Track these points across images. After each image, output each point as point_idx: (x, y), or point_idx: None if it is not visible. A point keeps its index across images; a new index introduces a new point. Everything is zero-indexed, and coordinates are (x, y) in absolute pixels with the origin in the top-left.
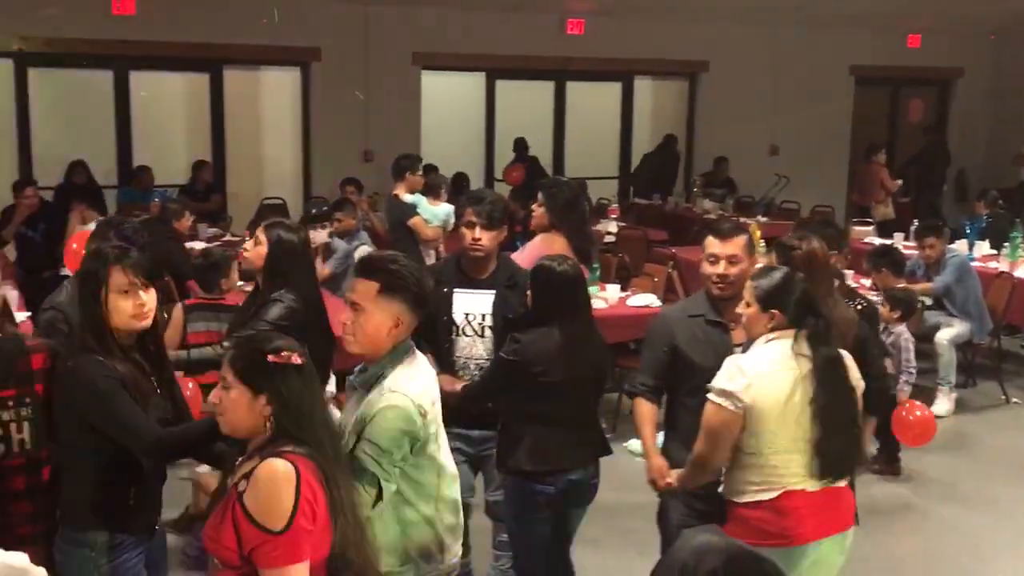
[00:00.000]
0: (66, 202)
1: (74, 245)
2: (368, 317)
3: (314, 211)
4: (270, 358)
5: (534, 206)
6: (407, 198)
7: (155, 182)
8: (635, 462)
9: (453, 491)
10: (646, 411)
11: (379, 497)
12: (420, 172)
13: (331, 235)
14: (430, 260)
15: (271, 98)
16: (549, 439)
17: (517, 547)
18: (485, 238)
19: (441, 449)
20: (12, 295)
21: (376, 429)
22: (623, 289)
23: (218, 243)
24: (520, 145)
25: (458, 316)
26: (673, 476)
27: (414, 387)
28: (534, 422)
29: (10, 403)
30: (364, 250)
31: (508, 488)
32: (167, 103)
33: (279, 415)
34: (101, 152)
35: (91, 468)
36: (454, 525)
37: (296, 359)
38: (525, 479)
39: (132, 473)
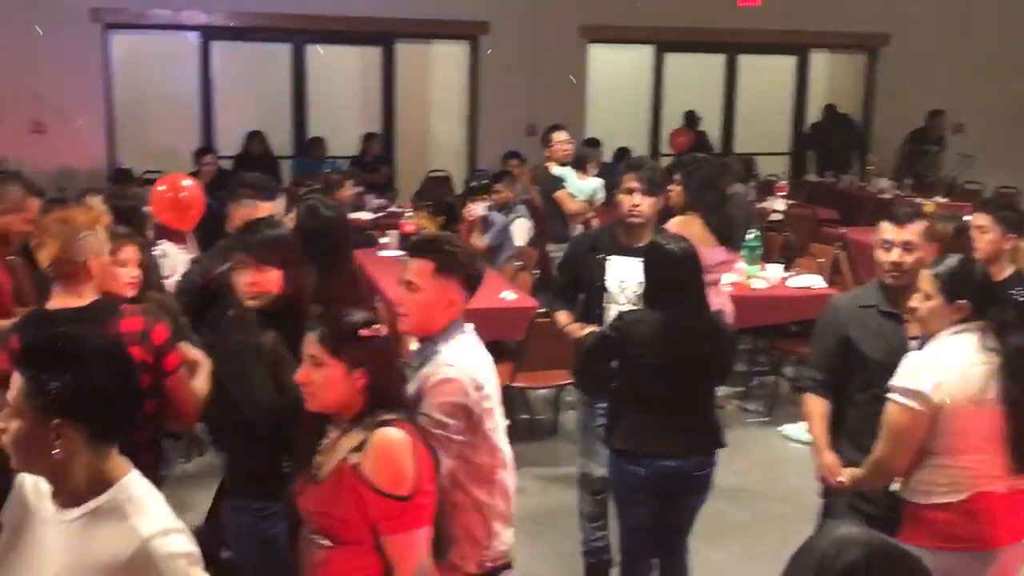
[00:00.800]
0: (238, 171)
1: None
2: (423, 296)
3: (472, 184)
4: (361, 332)
5: (671, 185)
6: (555, 171)
7: (327, 153)
8: (789, 447)
9: (509, 476)
10: (814, 406)
11: (436, 471)
12: (556, 142)
13: (489, 208)
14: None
15: (440, 72)
16: (643, 421)
17: (619, 525)
18: (644, 204)
19: (498, 430)
20: (181, 256)
21: (432, 401)
22: (786, 269)
23: (383, 214)
24: (690, 118)
25: (611, 283)
26: (846, 475)
27: (469, 361)
28: (632, 402)
29: None
30: (521, 223)
31: (610, 463)
32: (341, 76)
33: (374, 386)
34: (278, 124)
35: (246, 435)
36: (506, 512)
37: (383, 330)
38: (619, 457)
39: (287, 440)
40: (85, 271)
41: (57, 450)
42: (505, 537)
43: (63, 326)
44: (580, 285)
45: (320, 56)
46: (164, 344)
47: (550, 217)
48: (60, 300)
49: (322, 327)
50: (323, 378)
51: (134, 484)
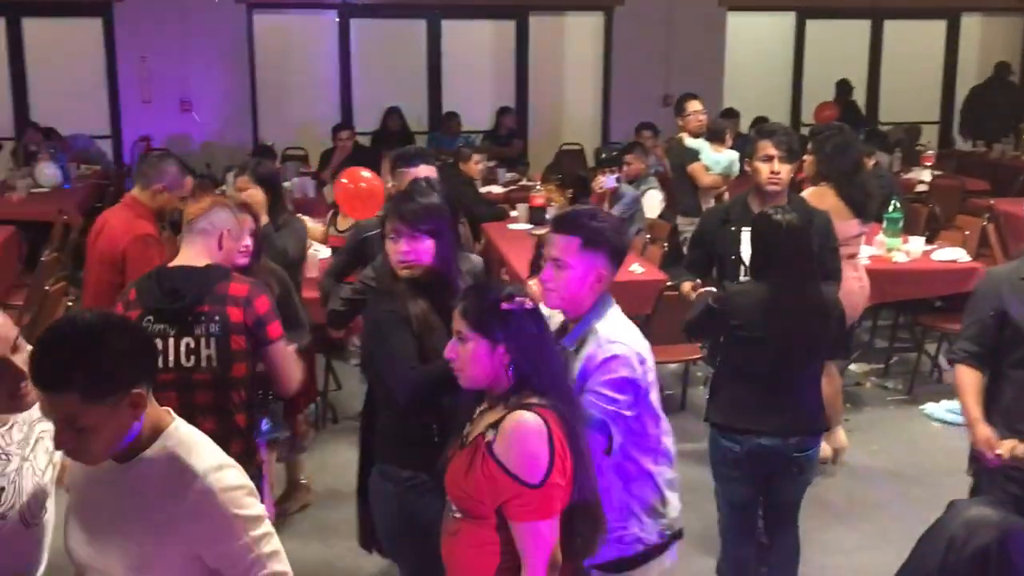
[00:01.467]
0: (378, 146)
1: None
2: (571, 272)
3: (603, 155)
4: (504, 305)
5: (804, 156)
6: (689, 143)
7: (462, 128)
8: (929, 427)
9: (670, 443)
10: (968, 379)
11: (610, 447)
12: (690, 112)
13: (619, 180)
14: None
15: (574, 44)
16: (741, 396)
17: (719, 501)
18: (784, 171)
19: (656, 401)
20: (316, 227)
21: (601, 379)
22: (929, 242)
23: (514, 187)
24: (843, 88)
25: (746, 255)
26: (1004, 447)
27: (629, 336)
28: (732, 376)
29: (203, 318)
30: (652, 195)
31: (709, 438)
32: (475, 51)
33: (519, 363)
34: (414, 99)
35: (395, 402)
36: (673, 479)
37: (528, 303)
38: (716, 431)
39: (435, 409)
40: (214, 240)
41: (135, 418)
42: (675, 503)
43: (177, 282)
44: (713, 259)
45: (455, 31)
46: (266, 313)
47: (681, 190)
48: (179, 260)
49: (465, 301)
50: (468, 353)
51: (181, 429)
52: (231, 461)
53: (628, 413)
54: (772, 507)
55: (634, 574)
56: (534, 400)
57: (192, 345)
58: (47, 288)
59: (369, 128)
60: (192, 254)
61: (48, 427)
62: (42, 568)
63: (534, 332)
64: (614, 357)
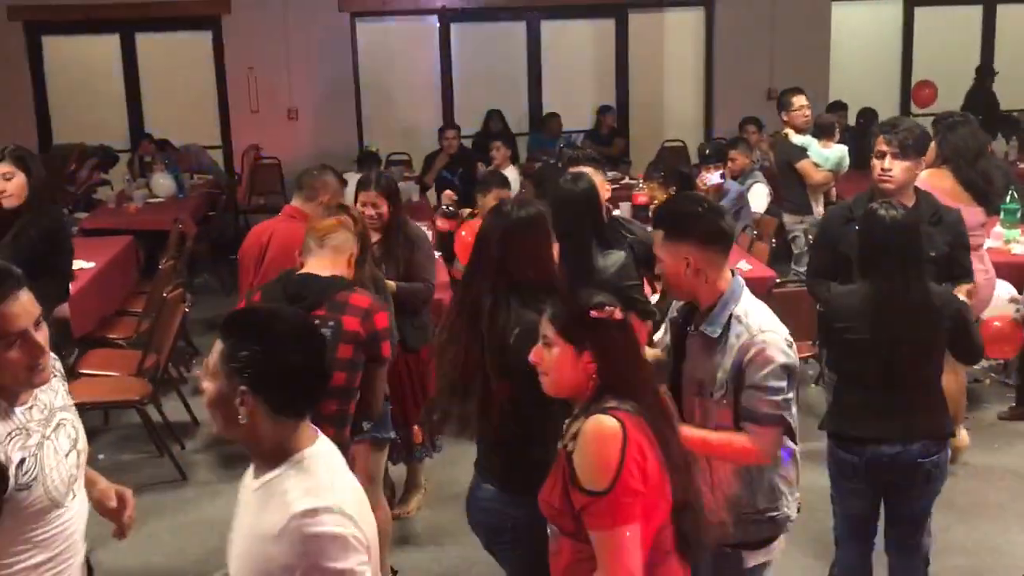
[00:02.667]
0: (483, 149)
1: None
2: (664, 265)
3: (707, 152)
4: (592, 313)
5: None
6: (796, 139)
7: (562, 128)
8: None
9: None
10: None
11: (792, 436)
12: (796, 107)
13: (723, 176)
14: (818, 205)
15: (674, 40)
16: (854, 403)
17: (836, 511)
18: (896, 168)
19: None
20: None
21: (762, 372)
22: None
23: (616, 186)
24: (983, 72)
25: None
26: None
27: (772, 321)
28: (846, 382)
29: (316, 321)
30: (758, 190)
31: (827, 448)
32: (575, 51)
33: (603, 371)
34: (515, 101)
35: (533, 425)
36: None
37: (617, 314)
38: (833, 441)
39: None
40: (344, 258)
41: (241, 416)
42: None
43: (301, 287)
44: (839, 261)
45: (554, 31)
46: (383, 330)
47: (788, 187)
48: (308, 268)
49: (554, 306)
50: (553, 359)
51: (309, 458)
52: (333, 504)
53: (789, 396)
54: (896, 521)
55: (771, 548)
56: (613, 404)
57: None
58: (164, 295)
59: (471, 131)
60: (319, 265)
61: (71, 416)
62: (80, 558)
63: (621, 341)
64: (768, 346)
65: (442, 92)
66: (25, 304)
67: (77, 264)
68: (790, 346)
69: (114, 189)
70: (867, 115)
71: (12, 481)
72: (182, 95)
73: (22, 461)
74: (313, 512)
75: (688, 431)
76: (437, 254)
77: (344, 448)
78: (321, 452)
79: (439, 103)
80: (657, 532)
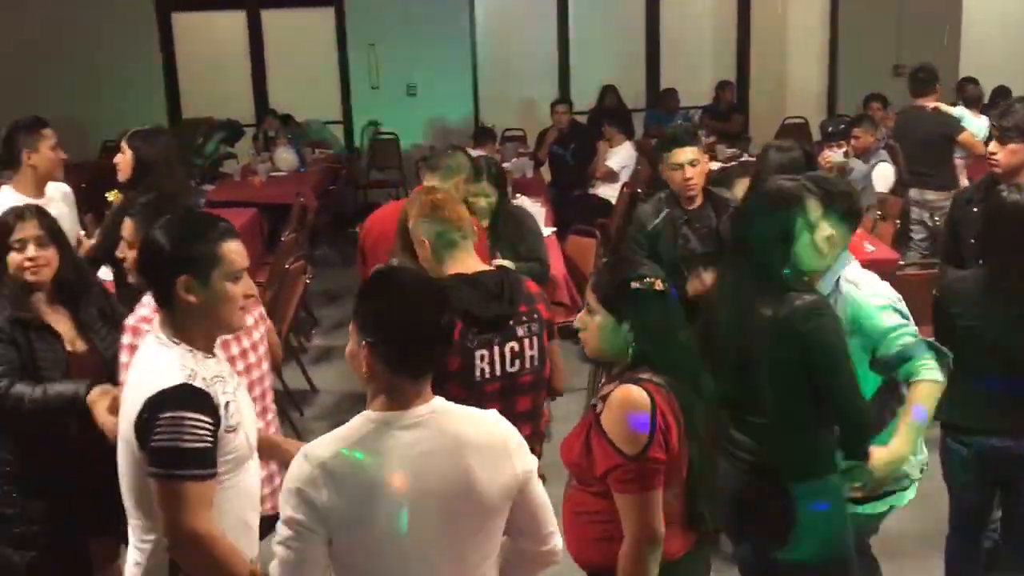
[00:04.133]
0: (597, 125)
1: None
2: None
3: (829, 129)
4: (633, 285)
5: None
6: (953, 110)
7: (680, 103)
8: None
9: None
10: None
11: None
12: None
13: (846, 154)
14: (965, 180)
15: (798, 13)
16: (966, 393)
17: (949, 502)
18: (1001, 152)
19: None
20: (534, 209)
21: (887, 313)
22: None
23: (736, 163)
24: None
25: None
26: None
27: (884, 286)
28: (960, 370)
29: (523, 318)
30: (883, 169)
31: (940, 437)
32: (694, 24)
33: (641, 341)
34: (632, 76)
35: (811, 419)
36: None
37: (659, 285)
38: (943, 430)
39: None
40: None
41: (364, 368)
42: None
43: (492, 287)
44: (962, 244)
45: (674, 4)
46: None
47: (937, 163)
48: (473, 265)
49: (598, 275)
50: (594, 326)
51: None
52: (321, 457)
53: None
54: (1011, 520)
55: (888, 500)
56: (646, 376)
57: (516, 348)
58: (287, 267)
59: (586, 106)
60: (472, 258)
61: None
62: (255, 523)
63: (660, 313)
64: (881, 295)
65: (559, 67)
66: (241, 248)
67: None
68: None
69: (239, 162)
70: (1000, 92)
71: (223, 421)
72: (305, 71)
73: (228, 404)
74: (303, 454)
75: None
76: None
77: (539, 440)
78: (431, 414)
79: (555, 78)
80: (672, 495)
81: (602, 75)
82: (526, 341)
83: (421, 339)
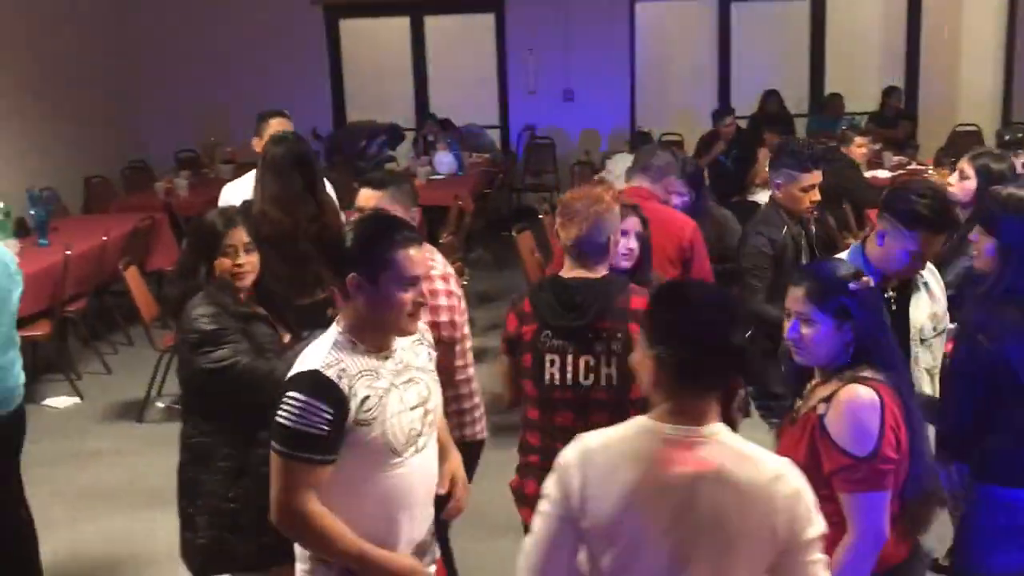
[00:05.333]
0: (757, 131)
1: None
2: (885, 250)
3: (1006, 137)
4: (851, 286)
5: None
6: None
7: (844, 109)
8: None
9: None
10: None
11: None
12: None
13: None
14: None
15: (974, 15)
16: None
17: None
18: None
19: None
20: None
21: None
22: None
23: (903, 171)
24: None
25: None
26: None
27: None
28: None
29: (603, 335)
30: None
31: None
32: (860, 28)
33: (862, 340)
34: (795, 81)
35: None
36: None
37: (872, 283)
38: None
39: None
40: (605, 249)
41: (650, 378)
42: None
43: (577, 296)
44: None
45: (839, 8)
46: None
47: None
48: (574, 271)
49: (807, 282)
50: (814, 334)
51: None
52: (586, 444)
53: None
54: None
55: None
56: (868, 374)
57: (592, 363)
58: None
59: (746, 112)
60: (580, 264)
61: (427, 378)
62: (420, 521)
63: (876, 310)
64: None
65: (719, 72)
66: (423, 257)
67: None
68: None
69: (399, 165)
70: None
71: (352, 414)
72: (464, 76)
73: (366, 398)
74: None
75: None
76: None
77: None
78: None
79: (715, 84)
80: (896, 495)
81: (763, 80)
82: (603, 358)
83: (705, 353)
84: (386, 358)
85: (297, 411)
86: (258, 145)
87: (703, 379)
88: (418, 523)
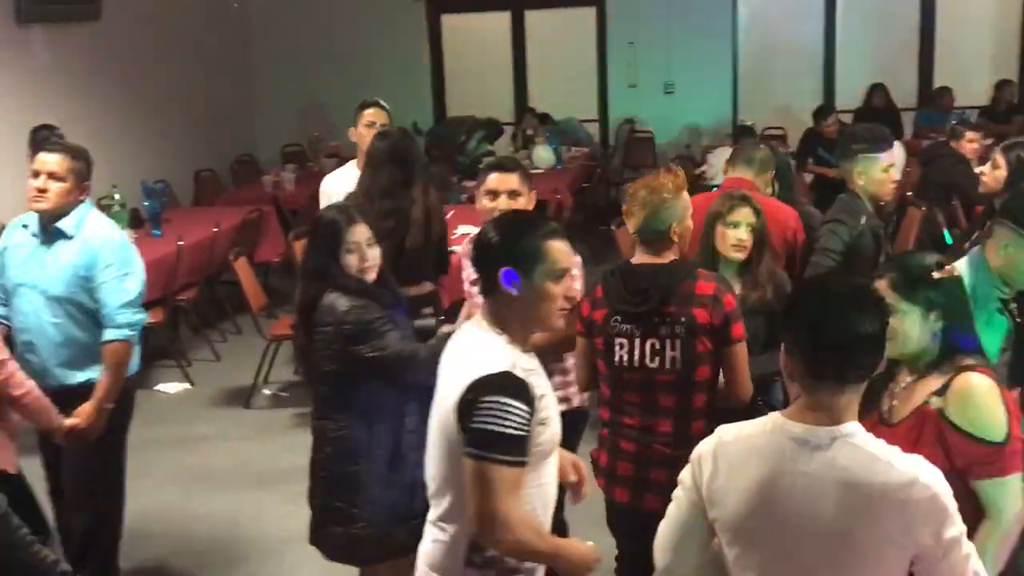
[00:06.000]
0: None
1: None
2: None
3: None
4: (934, 274)
5: None
6: None
7: (954, 103)
8: None
9: None
10: None
11: None
12: None
13: None
14: None
15: None
16: None
17: None
18: None
19: None
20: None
21: None
22: None
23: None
24: None
25: None
26: None
27: None
28: None
29: (668, 319)
30: None
31: None
32: (973, 17)
33: (951, 328)
34: (902, 73)
35: None
36: None
37: (956, 271)
38: None
39: None
40: (667, 237)
41: (787, 372)
42: None
43: (644, 282)
44: None
45: (951, 1)
46: (732, 312)
47: None
48: (642, 257)
49: (893, 272)
50: (900, 324)
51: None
52: (719, 435)
53: None
54: None
55: None
56: (970, 362)
57: (657, 346)
58: None
59: (852, 106)
60: (649, 251)
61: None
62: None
63: (962, 297)
64: None
65: (824, 65)
66: (569, 250)
67: (465, 229)
68: None
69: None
70: None
71: (536, 413)
72: (564, 70)
73: (542, 396)
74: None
75: None
76: None
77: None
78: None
79: (819, 76)
80: None
81: (870, 74)
82: (667, 341)
83: (833, 347)
84: (531, 356)
85: (504, 415)
86: (354, 135)
87: (835, 375)
88: (549, 518)
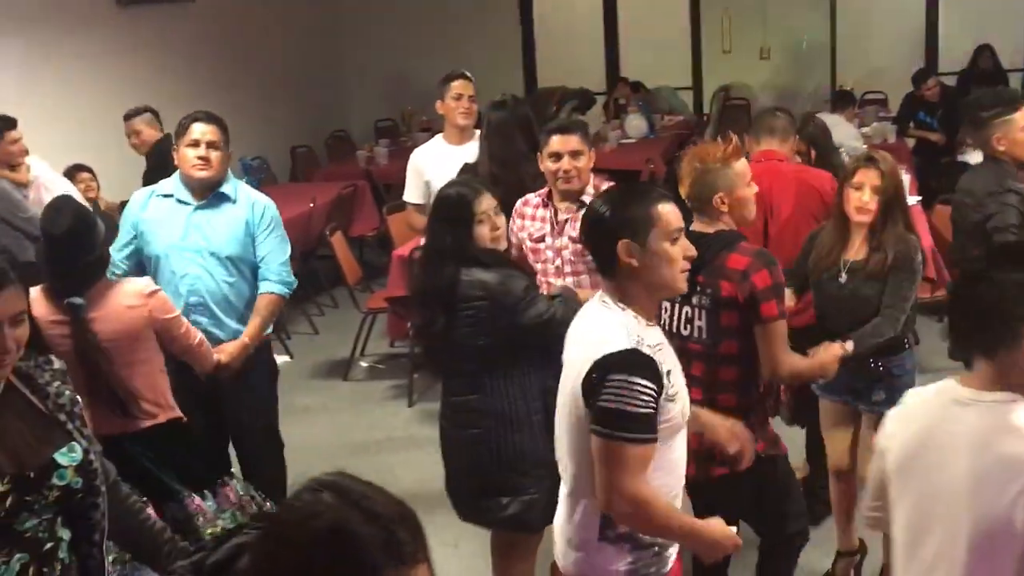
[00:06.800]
0: (967, 89)
1: None
2: None
3: None
4: None
5: None
6: None
7: None
8: None
9: None
10: None
11: None
12: None
13: None
14: None
15: None
16: None
17: None
18: None
19: None
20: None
21: None
22: None
23: None
24: None
25: None
26: None
27: None
28: None
29: (697, 288)
30: None
31: None
32: None
33: None
34: (1012, 33)
35: None
36: None
37: None
38: None
39: None
40: (711, 206)
41: None
42: None
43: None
44: None
45: None
46: (764, 290)
47: None
48: (696, 224)
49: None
50: None
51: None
52: (908, 397)
53: None
54: None
55: None
56: None
57: (689, 314)
58: None
59: (956, 68)
60: (701, 220)
61: None
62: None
63: None
64: None
65: (926, 27)
66: (677, 210)
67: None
68: None
69: (590, 130)
70: None
71: (665, 389)
72: (657, 38)
73: (669, 372)
74: None
75: None
76: None
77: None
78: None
79: (921, 39)
80: None
81: (975, 35)
82: (697, 311)
83: (978, 317)
84: (658, 329)
85: (632, 394)
86: (441, 108)
87: (965, 343)
88: (679, 492)
